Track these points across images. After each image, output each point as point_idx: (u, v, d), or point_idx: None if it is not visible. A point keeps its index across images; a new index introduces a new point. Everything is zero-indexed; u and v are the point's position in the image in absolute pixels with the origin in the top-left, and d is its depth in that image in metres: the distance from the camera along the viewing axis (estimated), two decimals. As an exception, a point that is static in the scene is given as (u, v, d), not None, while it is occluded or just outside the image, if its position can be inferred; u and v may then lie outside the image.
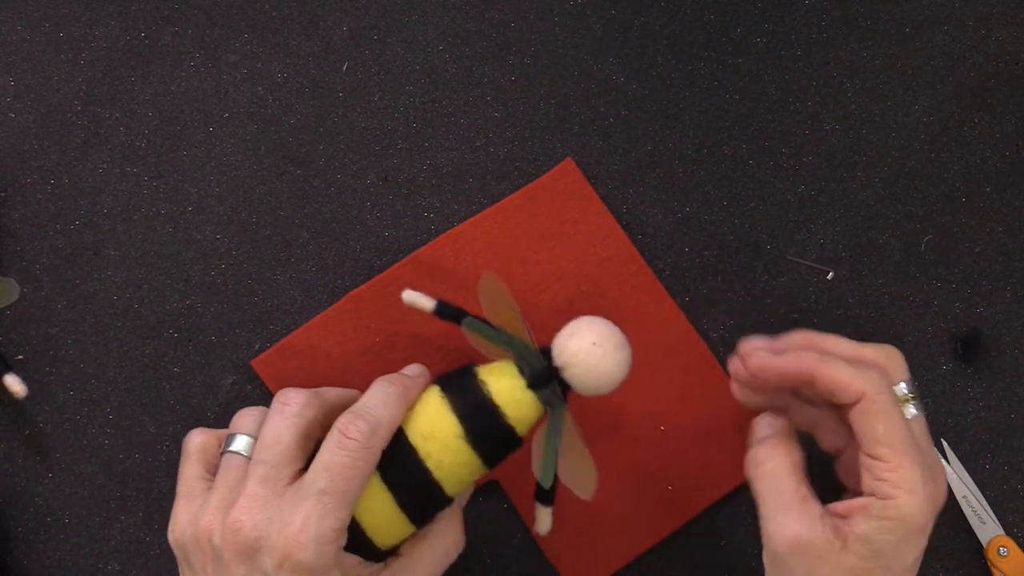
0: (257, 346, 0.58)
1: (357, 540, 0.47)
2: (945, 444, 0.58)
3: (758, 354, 0.50)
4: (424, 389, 0.49)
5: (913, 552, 0.46)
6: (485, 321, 0.50)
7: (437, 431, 0.47)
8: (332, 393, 0.50)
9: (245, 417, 0.50)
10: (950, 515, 0.58)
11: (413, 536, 0.49)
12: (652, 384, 0.57)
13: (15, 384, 0.55)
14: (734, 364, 0.51)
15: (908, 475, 0.45)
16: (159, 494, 0.57)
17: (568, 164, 0.58)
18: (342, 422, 0.46)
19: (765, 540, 0.48)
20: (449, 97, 0.59)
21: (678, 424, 0.57)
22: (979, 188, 0.59)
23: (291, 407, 0.48)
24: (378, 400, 0.48)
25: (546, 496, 0.51)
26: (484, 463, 0.48)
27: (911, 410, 0.49)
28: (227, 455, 0.49)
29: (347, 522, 0.46)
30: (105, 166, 0.59)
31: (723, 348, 0.58)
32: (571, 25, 0.60)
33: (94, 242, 0.58)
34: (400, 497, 0.47)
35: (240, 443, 0.49)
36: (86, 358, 0.58)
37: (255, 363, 0.57)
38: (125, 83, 0.59)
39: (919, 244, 0.59)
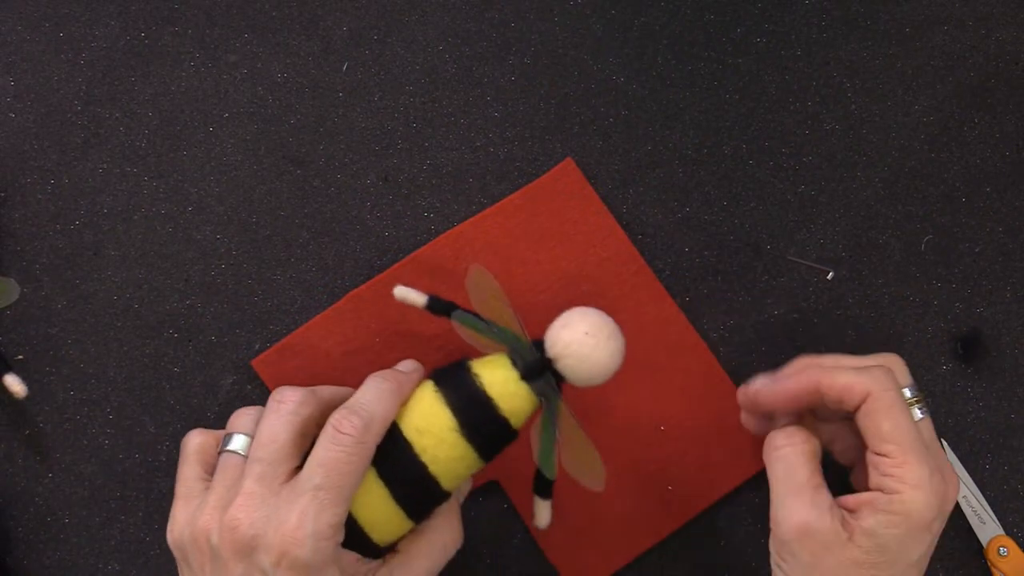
0: (257, 346, 0.58)
1: (355, 537, 0.47)
2: (945, 444, 0.58)
3: (764, 387, 0.51)
4: (418, 384, 0.49)
5: (918, 548, 0.46)
6: (476, 314, 0.50)
7: (431, 425, 0.47)
8: (328, 391, 0.50)
9: (242, 416, 0.50)
10: (950, 515, 0.57)
11: (411, 532, 0.50)
12: (652, 384, 0.57)
13: (15, 384, 0.55)
14: (742, 395, 0.52)
15: (914, 471, 0.46)
16: (159, 494, 0.57)
17: (568, 164, 0.58)
18: (336, 418, 0.46)
19: (773, 525, 0.48)
20: (449, 97, 0.59)
21: (678, 424, 0.57)
22: (979, 188, 0.59)
23: (287, 405, 0.48)
24: (372, 396, 0.48)
25: (544, 489, 0.51)
26: (480, 456, 0.48)
27: (916, 413, 0.49)
28: (224, 454, 0.49)
29: (343, 518, 0.46)
30: (105, 166, 0.59)
31: (723, 348, 0.58)
32: (571, 25, 0.60)
33: (94, 242, 0.58)
34: (396, 492, 0.47)
35: (237, 442, 0.49)
36: (86, 358, 0.58)
37: (255, 363, 0.57)
38: (125, 83, 0.59)
39: (919, 244, 0.59)
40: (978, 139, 0.59)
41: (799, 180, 0.59)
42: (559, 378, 0.48)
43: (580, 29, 0.60)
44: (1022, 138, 0.60)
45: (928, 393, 0.58)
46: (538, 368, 0.48)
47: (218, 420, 0.57)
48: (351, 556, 0.47)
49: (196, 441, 0.50)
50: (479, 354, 0.50)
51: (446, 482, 0.48)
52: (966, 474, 0.58)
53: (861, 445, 0.49)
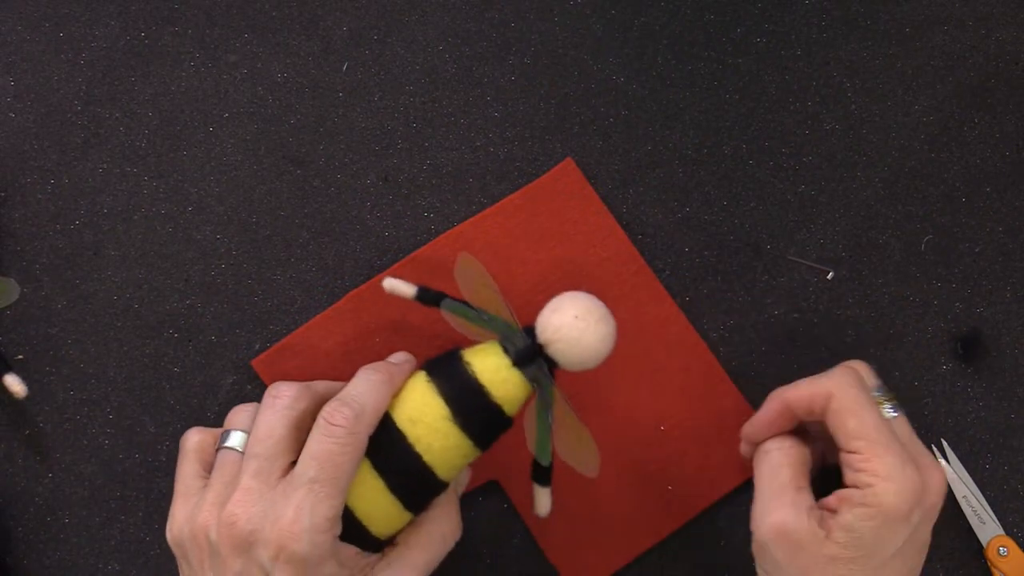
0: (257, 346, 0.58)
1: (353, 530, 0.48)
2: (945, 444, 0.58)
3: (747, 426, 0.52)
4: (410, 375, 0.50)
5: (895, 540, 0.46)
6: (466, 303, 0.50)
7: (424, 415, 0.48)
8: (323, 385, 0.50)
9: (239, 413, 0.50)
10: (950, 515, 0.58)
11: (409, 524, 0.50)
12: (652, 384, 0.57)
13: (15, 384, 0.55)
14: (742, 433, 0.53)
15: (884, 463, 0.46)
16: (159, 494, 0.57)
17: (568, 164, 0.58)
18: (327, 410, 0.47)
19: (752, 527, 0.48)
20: (449, 97, 0.59)
21: (678, 424, 0.57)
22: (979, 188, 0.59)
23: (282, 400, 0.48)
24: (362, 387, 0.48)
25: (543, 476, 0.51)
26: (475, 445, 0.48)
27: (887, 412, 0.50)
28: (222, 451, 0.49)
29: (340, 510, 0.46)
30: (105, 166, 0.59)
31: (723, 348, 0.58)
32: (571, 25, 0.60)
33: (94, 242, 0.58)
34: (392, 483, 0.47)
35: (235, 439, 0.49)
36: (86, 358, 0.58)
37: (255, 363, 0.57)
38: (125, 83, 0.59)
39: (919, 244, 0.59)
40: (978, 139, 0.59)
41: (799, 180, 0.59)
42: (552, 363, 0.48)
43: (580, 29, 0.60)
44: (1022, 138, 0.60)
45: (928, 393, 0.58)
46: (529, 354, 0.48)
47: (218, 420, 0.57)
48: (350, 550, 0.47)
49: (194, 439, 0.51)
50: (472, 343, 0.50)
51: (442, 472, 0.48)
52: (966, 474, 0.58)
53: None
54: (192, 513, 0.48)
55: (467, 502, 0.55)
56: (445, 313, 0.51)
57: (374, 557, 0.49)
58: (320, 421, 0.46)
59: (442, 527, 0.50)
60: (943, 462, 0.58)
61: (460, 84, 0.59)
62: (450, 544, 0.51)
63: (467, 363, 0.48)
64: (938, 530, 0.57)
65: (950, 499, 0.57)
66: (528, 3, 0.60)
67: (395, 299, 0.55)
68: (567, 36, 0.60)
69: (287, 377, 0.56)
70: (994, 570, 0.57)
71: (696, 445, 0.57)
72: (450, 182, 0.59)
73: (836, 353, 0.58)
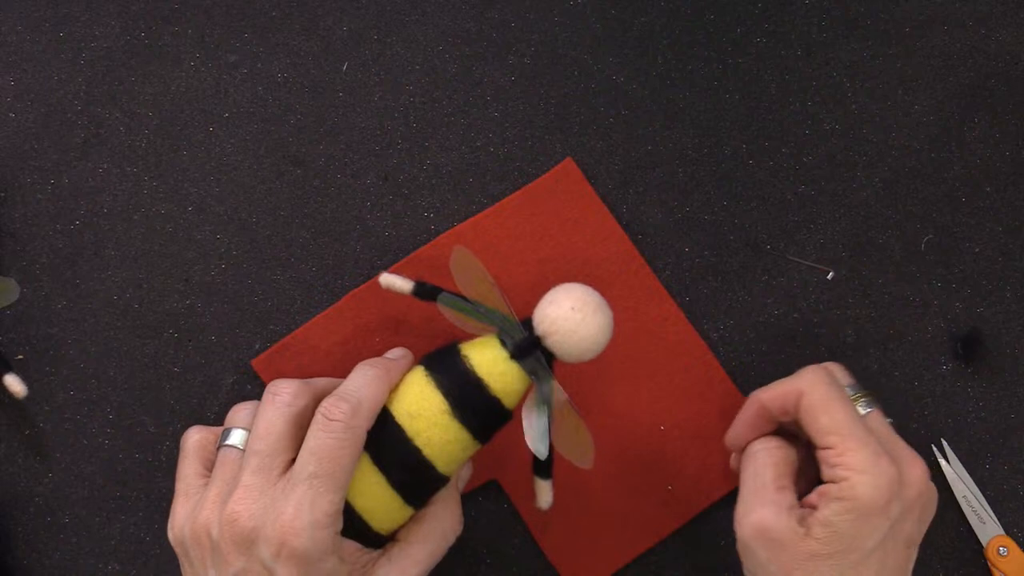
0: (257, 346, 0.58)
1: (355, 526, 0.48)
2: (945, 444, 0.58)
3: (728, 433, 0.52)
4: (408, 370, 0.50)
5: (873, 534, 0.46)
6: (463, 297, 0.50)
7: (423, 409, 0.48)
8: (322, 382, 0.51)
9: (240, 411, 0.50)
10: (950, 515, 0.58)
11: (410, 520, 0.50)
12: (652, 384, 0.57)
13: (15, 384, 0.55)
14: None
15: (857, 457, 0.46)
16: (159, 494, 0.57)
17: (568, 164, 0.58)
18: (324, 406, 0.47)
19: (735, 527, 0.48)
20: (449, 97, 0.59)
21: (678, 424, 0.57)
22: (979, 188, 0.59)
23: (282, 397, 0.48)
24: (359, 382, 0.48)
25: (544, 469, 0.51)
26: (475, 438, 0.48)
27: (862, 408, 0.50)
28: (223, 449, 0.49)
29: (340, 505, 0.46)
30: (105, 166, 0.59)
31: (723, 348, 0.58)
32: (571, 25, 0.60)
33: (94, 242, 0.58)
34: (393, 478, 0.48)
35: (236, 437, 0.49)
36: (86, 358, 0.58)
37: (255, 363, 0.57)
38: (125, 83, 0.59)
39: (919, 244, 0.59)
40: (978, 139, 0.59)
41: (799, 180, 0.59)
42: (549, 356, 0.48)
43: (580, 29, 0.60)
44: (1022, 138, 0.60)
45: (928, 393, 0.58)
46: (527, 346, 0.48)
47: (218, 420, 0.57)
48: (351, 545, 0.47)
49: (195, 438, 0.51)
50: (469, 337, 0.50)
51: (442, 466, 0.48)
52: (966, 474, 0.58)
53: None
54: (194, 511, 0.48)
55: (467, 502, 0.55)
56: (442, 307, 0.51)
57: (375, 553, 0.49)
58: (318, 416, 0.46)
59: (443, 522, 0.50)
60: (943, 462, 0.58)
61: (460, 84, 0.59)
62: (451, 539, 0.51)
63: (465, 356, 0.48)
64: (938, 530, 0.57)
65: (950, 499, 0.57)
66: (528, 3, 0.60)
67: (395, 299, 0.55)
68: (567, 36, 0.60)
69: (287, 377, 0.56)
70: (994, 570, 0.57)
71: (696, 445, 0.57)
72: (450, 182, 0.59)
73: (836, 353, 0.58)
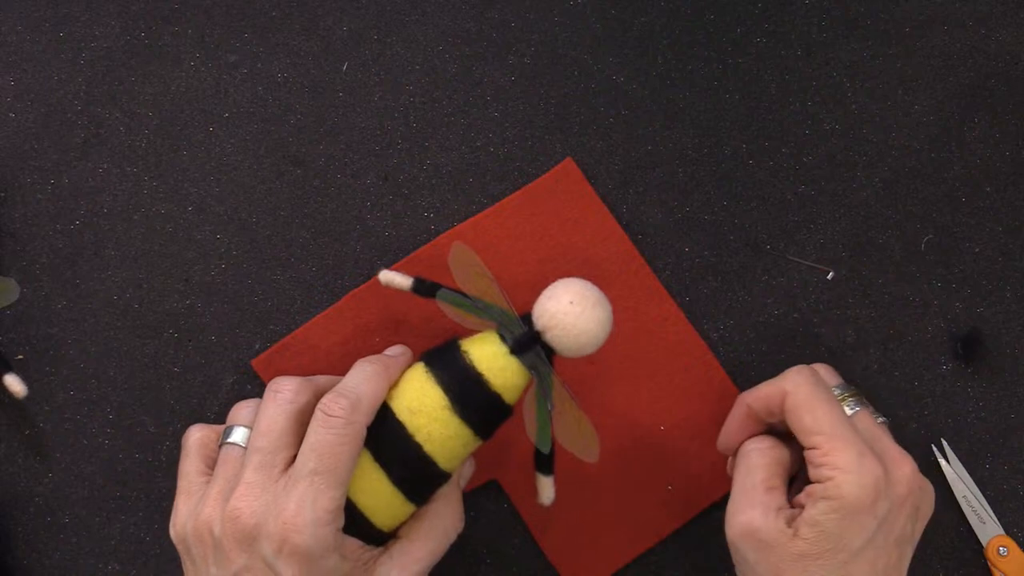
0: (257, 346, 0.58)
1: (357, 523, 0.48)
2: (945, 444, 0.58)
3: (719, 438, 0.53)
4: (408, 367, 0.50)
5: (861, 534, 0.46)
6: (462, 293, 0.50)
7: (423, 405, 0.48)
8: (323, 379, 0.51)
9: (242, 409, 0.50)
10: (950, 515, 0.58)
11: (412, 517, 0.50)
12: (652, 384, 0.57)
13: (15, 384, 0.55)
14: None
15: (842, 455, 0.46)
16: (159, 494, 0.57)
17: (568, 164, 0.58)
18: (324, 402, 0.47)
19: (726, 527, 0.48)
20: (449, 97, 0.59)
21: (678, 424, 0.57)
22: (979, 188, 0.59)
23: (283, 394, 0.48)
24: (358, 378, 0.48)
25: (545, 464, 0.51)
26: (475, 434, 0.48)
27: (848, 409, 0.50)
28: (225, 447, 0.49)
29: (341, 502, 0.46)
30: (105, 166, 0.59)
31: (723, 348, 0.58)
32: (571, 25, 0.60)
33: (94, 242, 0.58)
34: (394, 474, 0.48)
35: (237, 435, 0.49)
36: (86, 358, 0.58)
37: (255, 363, 0.57)
38: (125, 83, 0.59)
39: (919, 244, 0.59)
40: (978, 139, 0.59)
41: (799, 180, 0.59)
42: (549, 350, 0.48)
43: (580, 29, 0.60)
44: (1022, 138, 0.60)
45: (928, 393, 0.58)
46: (527, 341, 0.48)
47: (218, 420, 0.57)
48: (353, 543, 0.47)
49: (196, 436, 0.51)
50: (469, 334, 0.50)
51: (443, 462, 0.48)
52: (966, 474, 0.58)
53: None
54: (195, 509, 0.48)
55: (467, 502, 0.55)
56: (441, 304, 0.51)
57: (377, 550, 0.49)
58: (318, 413, 0.47)
59: (444, 519, 0.50)
60: (943, 462, 0.58)
61: (460, 84, 0.59)
62: (453, 537, 0.51)
63: (465, 352, 0.48)
64: (938, 530, 0.57)
65: (950, 499, 0.57)
66: (528, 3, 0.60)
67: (395, 298, 0.55)
68: (567, 36, 0.60)
69: (287, 377, 0.56)
70: (994, 570, 0.57)
71: (696, 445, 0.57)
72: (450, 182, 0.59)
73: (836, 353, 0.58)
